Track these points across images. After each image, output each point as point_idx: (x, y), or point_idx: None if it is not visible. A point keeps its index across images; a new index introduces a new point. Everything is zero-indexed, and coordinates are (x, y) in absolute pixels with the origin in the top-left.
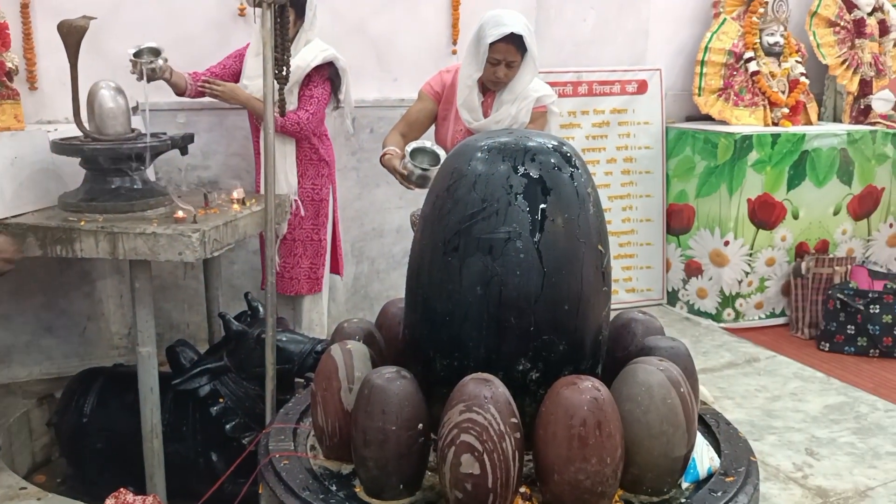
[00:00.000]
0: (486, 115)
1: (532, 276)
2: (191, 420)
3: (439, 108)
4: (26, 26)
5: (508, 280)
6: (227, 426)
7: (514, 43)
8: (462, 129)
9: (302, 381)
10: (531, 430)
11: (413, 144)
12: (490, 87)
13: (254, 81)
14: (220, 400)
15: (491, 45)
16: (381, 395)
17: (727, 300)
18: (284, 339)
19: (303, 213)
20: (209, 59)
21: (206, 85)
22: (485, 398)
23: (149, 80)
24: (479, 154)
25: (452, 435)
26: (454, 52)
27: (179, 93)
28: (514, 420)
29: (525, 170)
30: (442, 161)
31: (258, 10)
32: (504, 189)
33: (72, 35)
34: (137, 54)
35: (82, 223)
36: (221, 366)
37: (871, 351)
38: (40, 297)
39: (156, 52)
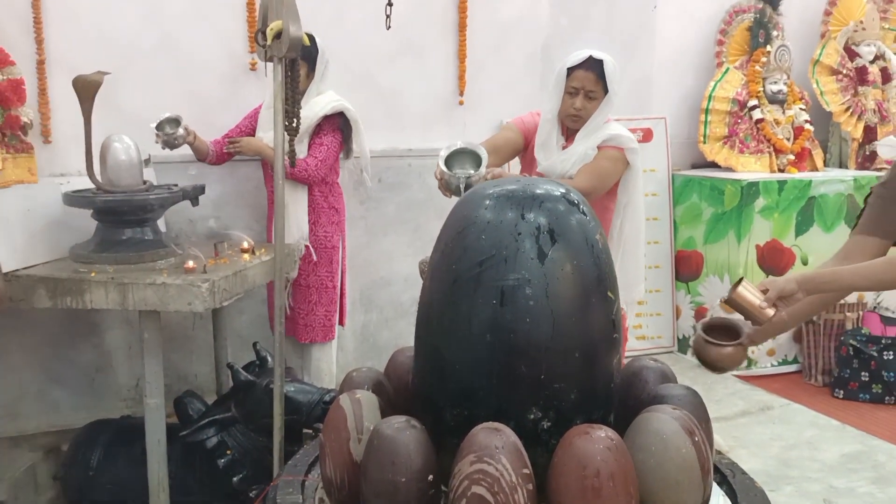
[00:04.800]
0: None
1: (541, 324)
2: (198, 472)
3: (525, 147)
4: (41, 81)
5: (518, 327)
6: (235, 479)
7: (595, 71)
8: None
9: (310, 431)
10: (543, 480)
11: (450, 147)
12: (569, 125)
13: (267, 133)
14: (228, 452)
15: (569, 71)
16: (390, 445)
17: None
18: (292, 389)
19: (315, 258)
20: (220, 113)
21: (231, 145)
22: (496, 448)
23: (171, 149)
24: (488, 202)
25: (463, 487)
26: (461, 103)
27: (201, 158)
28: (526, 471)
29: (533, 217)
30: (484, 162)
31: (269, 64)
32: (512, 236)
33: (86, 90)
34: (159, 126)
35: (93, 274)
36: (229, 417)
37: (887, 398)
38: (49, 349)
39: (176, 122)
